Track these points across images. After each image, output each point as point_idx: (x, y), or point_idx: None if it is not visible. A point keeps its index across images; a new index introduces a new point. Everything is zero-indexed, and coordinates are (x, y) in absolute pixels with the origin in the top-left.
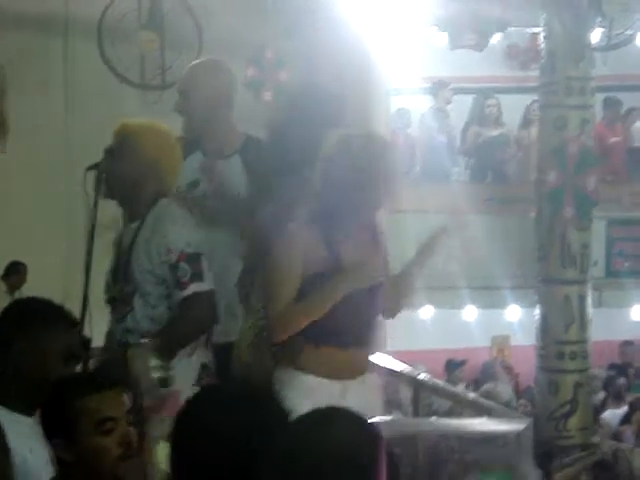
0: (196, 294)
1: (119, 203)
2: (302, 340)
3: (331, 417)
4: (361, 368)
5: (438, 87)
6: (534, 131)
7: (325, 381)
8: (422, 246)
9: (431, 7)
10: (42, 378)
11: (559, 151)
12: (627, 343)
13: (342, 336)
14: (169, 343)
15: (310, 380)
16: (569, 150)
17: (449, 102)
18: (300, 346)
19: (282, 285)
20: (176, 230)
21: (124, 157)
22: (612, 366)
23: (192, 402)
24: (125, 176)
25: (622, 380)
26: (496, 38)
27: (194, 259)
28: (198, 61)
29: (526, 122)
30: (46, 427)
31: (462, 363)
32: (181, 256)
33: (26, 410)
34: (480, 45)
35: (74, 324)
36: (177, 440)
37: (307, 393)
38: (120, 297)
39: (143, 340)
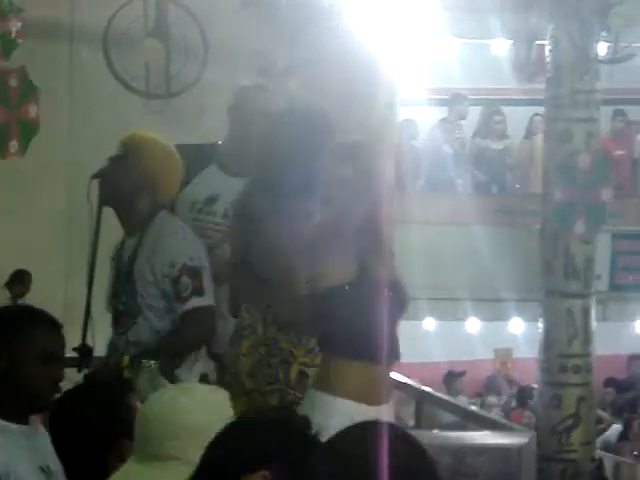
0: (195, 309)
1: (116, 213)
2: (334, 357)
3: (376, 431)
4: (390, 388)
5: (455, 100)
6: (539, 143)
7: (363, 407)
8: None
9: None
10: (21, 381)
11: (567, 164)
12: (635, 357)
13: (373, 349)
14: (165, 356)
15: (350, 406)
16: (580, 164)
17: (463, 116)
18: (334, 364)
19: None
20: (177, 244)
21: (123, 166)
22: (609, 380)
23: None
24: (121, 185)
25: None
26: (503, 50)
27: (195, 273)
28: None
29: (528, 134)
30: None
31: (461, 374)
32: (183, 270)
33: (16, 417)
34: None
35: (53, 326)
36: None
37: (349, 421)
38: (123, 311)
39: (150, 362)
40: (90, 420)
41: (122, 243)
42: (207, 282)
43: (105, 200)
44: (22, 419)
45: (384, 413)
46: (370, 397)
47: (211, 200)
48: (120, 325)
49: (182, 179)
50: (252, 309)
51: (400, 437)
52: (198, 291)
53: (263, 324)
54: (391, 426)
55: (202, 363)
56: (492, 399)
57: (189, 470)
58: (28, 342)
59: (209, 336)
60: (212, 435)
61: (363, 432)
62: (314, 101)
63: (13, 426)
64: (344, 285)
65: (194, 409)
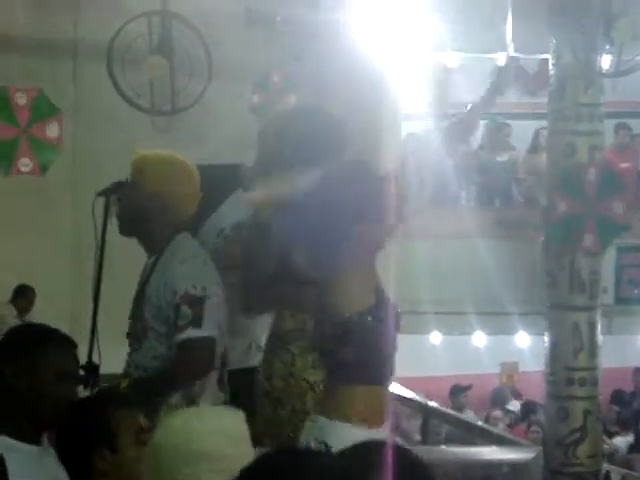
0: (190, 340)
1: (137, 239)
2: (346, 384)
3: (378, 451)
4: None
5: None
6: (543, 156)
7: (374, 433)
8: None
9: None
10: (37, 400)
11: (573, 177)
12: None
13: (386, 373)
14: (159, 385)
15: (360, 434)
16: (588, 176)
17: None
18: (348, 391)
19: None
20: (184, 270)
21: (132, 189)
22: (617, 393)
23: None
24: (132, 208)
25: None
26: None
27: (197, 302)
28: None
29: (534, 148)
30: (78, 441)
31: (466, 388)
32: (184, 298)
33: (29, 437)
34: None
35: (67, 345)
36: None
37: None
38: (132, 333)
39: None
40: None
41: (147, 261)
42: (209, 312)
43: (121, 226)
44: (34, 438)
45: (386, 431)
46: (380, 418)
47: (238, 227)
48: (130, 346)
49: (204, 199)
50: (298, 314)
51: (403, 455)
52: (196, 321)
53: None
54: (396, 445)
55: (210, 395)
56: (497, 413)
57: None
58: (44, 361)
59: (204, 368)
60: (226, 459)
61: (369, 451)
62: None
63: (24, 446)
64: (368, 312)
65: (207, 434)
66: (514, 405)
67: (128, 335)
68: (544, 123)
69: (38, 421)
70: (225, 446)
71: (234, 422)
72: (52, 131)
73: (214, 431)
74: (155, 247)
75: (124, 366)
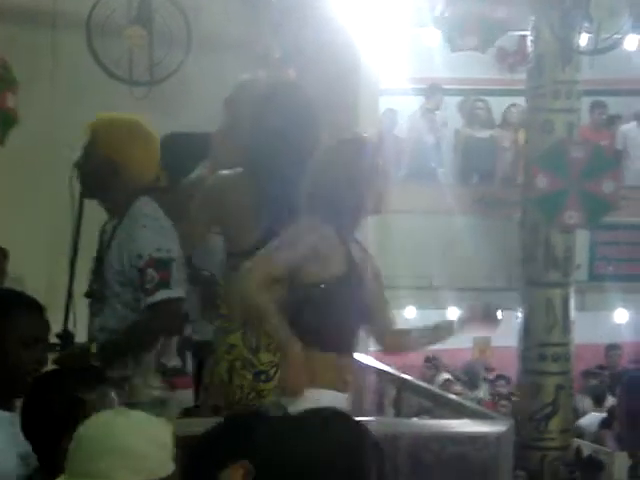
0: (162, 301)
1: (97, 201)
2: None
3: (327, 418)
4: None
5: (432, 90)
6: (520, 134)
7: (340, 395)
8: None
9: (430, 9)
10: (2, 365)
11: (553, 154)
12: (612, 347)
13: (337, 339)
14: (129, 347)
15: (337, 396)
16: (572, 154)
17: (439, 106)
18: (318, 358)
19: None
20: (146, 234)
21: (88, 153)
22: (587, 372)
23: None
24: (90, 173)
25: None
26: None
27: (163, 265)
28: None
29: (504, 124)
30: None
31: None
32: (149, 262)
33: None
34: (483, 48)
35: (34, 309)
36: None
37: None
38: (94, 294)
39: None
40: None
41: (105, 224)
42: (176, 274)
43: (83, 190)
44: (6, 404)
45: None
46: (345, 385)
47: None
48: (92, 308)
49: (180, 166)
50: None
51: (349, 425)
52: (165, 283)
53: None
54: (342, 414)
55: (171, 355)
56: (457, 387)
57: None
58: (9, 327)
59: (176, 329)
60: (143, 460)
61: (316, 418)
62: (297, 86)
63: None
64: (336, 280)
65: (126, 433)
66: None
67: (89, 296)
68: (512, 100)
69: (6, 387)
70: (144, 446)
71: (160, 429)
72: (11, 101)
73: (136, 430)
74: (114, 210)
75: (87, 330)
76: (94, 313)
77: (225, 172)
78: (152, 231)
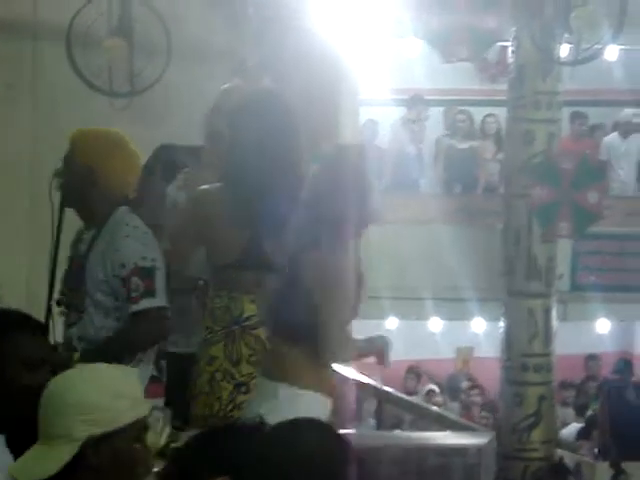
0: (147, 310)
1: (75, 211)
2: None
3: (303, 427)
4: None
5: (413, 101)
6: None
7: (323, 399)
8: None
9: (420, 21)
10: (3, 387)
11: (546, 165)
12: (591, 357)
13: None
14: (113, 354)
15: (320, 399)
16: (562, 165)
17: (421, 116)
18: (300, 358)
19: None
20: (130, 243)
21: (68, 162)
22: (563, 384)
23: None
24: (68, 183)
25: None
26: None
27: (147, 274)
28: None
29: (482, 134)
30: None
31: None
32: (134, 270)
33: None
34: (473, 58)
35: (38, 331)
36: None
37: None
38: (72, 303)
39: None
40: None
41: (81, 233)
42: (160, 283)
43: (62, 199)
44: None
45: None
46: (327, 389)
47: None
48: (69, 317)
49: (161, 177)
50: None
51: (325, 433)
52: (149, 292)
53: None
54: (319, 423)
55: (149, 364)
56: (438, 399)
57: (72, 448)
58: (13, 350)
59: (160, 337)
60: (99, 411)
61: (293, 426)
62: (274, 95)
63: None
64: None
65: (82, 387)
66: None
67: (63, 306)
68: (488, 110)
69: (7, 409)
70: (98, 398)
71: (116, 377)
72: None
73: (90, 385)
74: (92, 220)
75: (63, 340)
76: (72, 322)
77: (205, 186)
78: (135, 240)
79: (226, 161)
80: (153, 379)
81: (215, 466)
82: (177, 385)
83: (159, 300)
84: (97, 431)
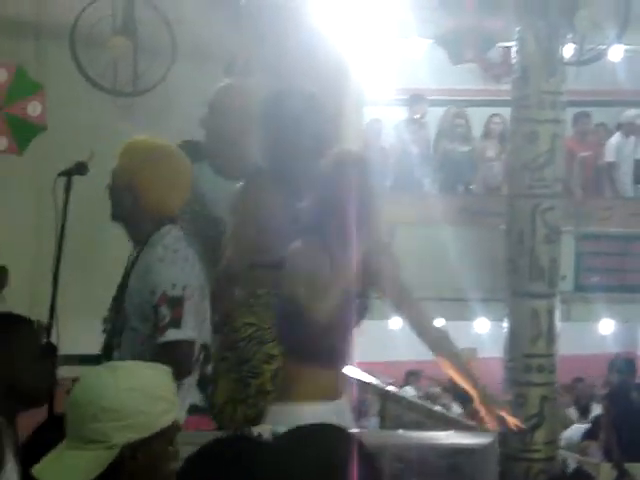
0: (170, 342)
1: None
2: (288, 363)
3: (318, 433)
4: (344, 385)
5: (415, 100)
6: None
7: (319, 405)
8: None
9: (429, 23)
10: (11, 382)
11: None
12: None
13: (327, 357)
14: None
15: (306, 408)
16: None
17: (424, 116)
18: (303, 372)
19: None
20: (161, 269)
21: (113, 177)
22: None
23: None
24: (112, 198)
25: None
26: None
27: (175, 303)
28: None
29: (486, 134)
30: None
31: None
32: (162, 298)
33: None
34: (478, 59)
35: (39, 327)
36: None
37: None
38: (113, 325)
39: None
40: None
41: (132, 251)
42: (188, 313)
43: (112, 212)
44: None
45: (341, 407)
46: (325, 395)
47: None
48: (110, 339)
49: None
50: None
51: (341, 438)
52: (175, 323)
53: None
54: (334, 427)
55: (188, 393)
56: (444, 400)
57: (110, 454)
58: (20, 345)
59: (182, 372)
60: (137, 416)
61: (307, 433)
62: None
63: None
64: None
65: (116, 390)
66: None
67: (108, 324)
68: (494, 110)
69: (11, 404)
70: (136, 403)
71: (151, 379)
72: (34, 109)
73: (124, 388)
74: (136, 237)
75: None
76: (115, 345)
77: (251, 186)
78: (168, 265)
79: (267, 158)
80: (195, 408)
81: (229, 473)
82: None
83: (184, 332)
84: (135, 437)
